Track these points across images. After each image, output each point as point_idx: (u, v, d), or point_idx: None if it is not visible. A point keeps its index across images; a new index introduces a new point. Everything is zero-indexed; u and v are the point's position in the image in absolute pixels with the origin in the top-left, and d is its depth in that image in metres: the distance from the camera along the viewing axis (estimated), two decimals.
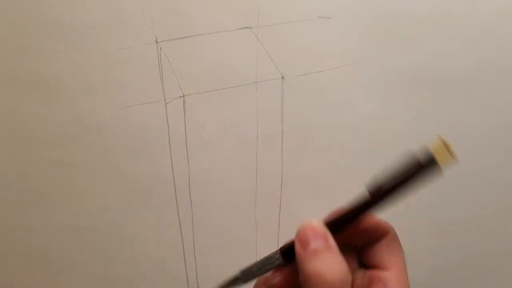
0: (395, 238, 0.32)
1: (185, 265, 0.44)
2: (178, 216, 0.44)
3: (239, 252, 0.45)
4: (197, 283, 0.44)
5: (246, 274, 0.31)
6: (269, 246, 0.47)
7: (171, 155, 0.44)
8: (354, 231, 0.31)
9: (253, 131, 0.46)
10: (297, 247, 0.30)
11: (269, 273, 0.32)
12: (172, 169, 0.44)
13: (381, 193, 0.28)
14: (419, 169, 0.27)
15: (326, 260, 0.28)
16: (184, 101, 0.44)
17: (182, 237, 0.44)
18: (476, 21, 0.47)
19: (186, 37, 0.44)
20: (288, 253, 0.31)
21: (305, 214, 0.48)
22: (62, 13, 0.43)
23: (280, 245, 0.47)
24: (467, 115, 0.48)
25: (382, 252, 0.31)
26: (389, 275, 0.29)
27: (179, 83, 0.44)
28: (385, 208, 0.29)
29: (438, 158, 0.26)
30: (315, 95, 0.46)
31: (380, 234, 0.32)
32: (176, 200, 0.44)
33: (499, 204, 0.49)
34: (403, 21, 0.46)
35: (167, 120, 0.44)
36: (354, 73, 0.46)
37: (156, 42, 0.43)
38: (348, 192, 0.48)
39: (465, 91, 0.48)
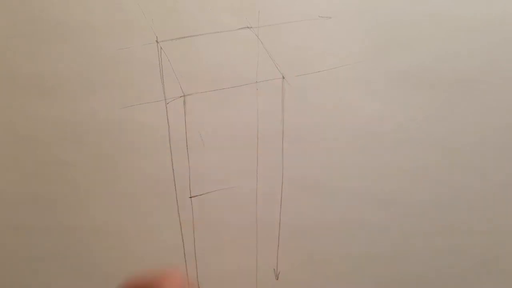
0: None
1: (186, 264, 0.44)
2: (179, 216, 0.44)
3: (239, 252, 0.45)
4: (198, 283, 0.44)
5: None
6: (270, 246, 0.47)
7: (171, 154, 0.44)
8: None
9: (253, 131, 0.46)
10: None
11: None
12: (173, 169, 0.44)
13: None
14: None
15: None
16: (184, 100, 0.44)
17: (182, 237, 0.44)
18: (477, 22, 0.47)
19: (187, 36, 0.44)
20: None
21: (306, 214, 0.48)
22: (62, 13, 0.43)
23: (281, 245, 0.47)
24: (468, 115, 0.48)
25: None
26: None
27: (180, 82, 0.44)
28: None
29: None
30: (316, 95, 0.46)
31: None
32: (177, 200, 0.44)
33: (501, 204, 0.49)
34: (403, 21, 0.46)
35: (168, 120, 0.44)
36: (354, 73, 0.46)
37: (157, 41, 0.43)
38: (348, 192, 0.48)
39: (465, 92, 0.48)
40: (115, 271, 0.44)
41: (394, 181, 0.48)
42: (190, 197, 0.45)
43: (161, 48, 0.43)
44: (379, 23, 0.46)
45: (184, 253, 0.44)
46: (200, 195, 0.45)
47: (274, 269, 0.46)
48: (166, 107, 0.44)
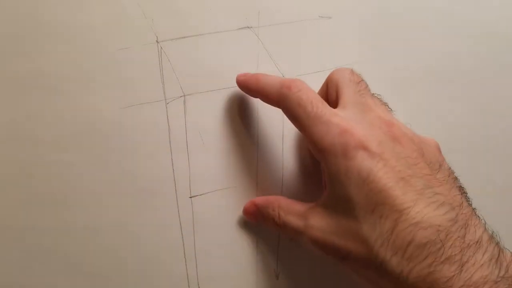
0: None
1: (186, 265, 0.44)
2: (179, 216, 0.44)
3: (240, 252, 0.45)
4: (198, 283, 0.44)
5: None
6: (270, 246, 0.47)
7: (171, 154, 0.44)
8: None
9: (254, 131, 0.46)
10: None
11: None
12: (173, 169, 0.44)
13: None
14: None
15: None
16: (184, 100, 0.44)
17: (182, 237, 0.44)
18: (478, 21, 0.47)
19: (187, 36, 0.44)
20: None
21: None
22: (62, 13, 0.43)
23: (281, 245, 0.47)
24: (469, 115, 0.48)
25: None
26: None
27: (180, 82, 0.44)
28: None
29: None
30: None
31: None
32: (177, 200, 0.44)
33: (501, 204, 0.49)
34: (404, 21, 0.47)
35: (168, 120, 0.44)
36: None
37: (157, 41, 0.44)
38: None
39: (467, 92, 0.48)
40: (115, 271, 0.44)
41: None
42: (190, 197, 0.45)
43: (161, 48, 0.44)
44: (380, 23, 0.46)
45: (184, 253, 0.44)
46: (200, 195, 0.45)
47: (274, 269, 0.46)
48: (166, 107, 0.44)
